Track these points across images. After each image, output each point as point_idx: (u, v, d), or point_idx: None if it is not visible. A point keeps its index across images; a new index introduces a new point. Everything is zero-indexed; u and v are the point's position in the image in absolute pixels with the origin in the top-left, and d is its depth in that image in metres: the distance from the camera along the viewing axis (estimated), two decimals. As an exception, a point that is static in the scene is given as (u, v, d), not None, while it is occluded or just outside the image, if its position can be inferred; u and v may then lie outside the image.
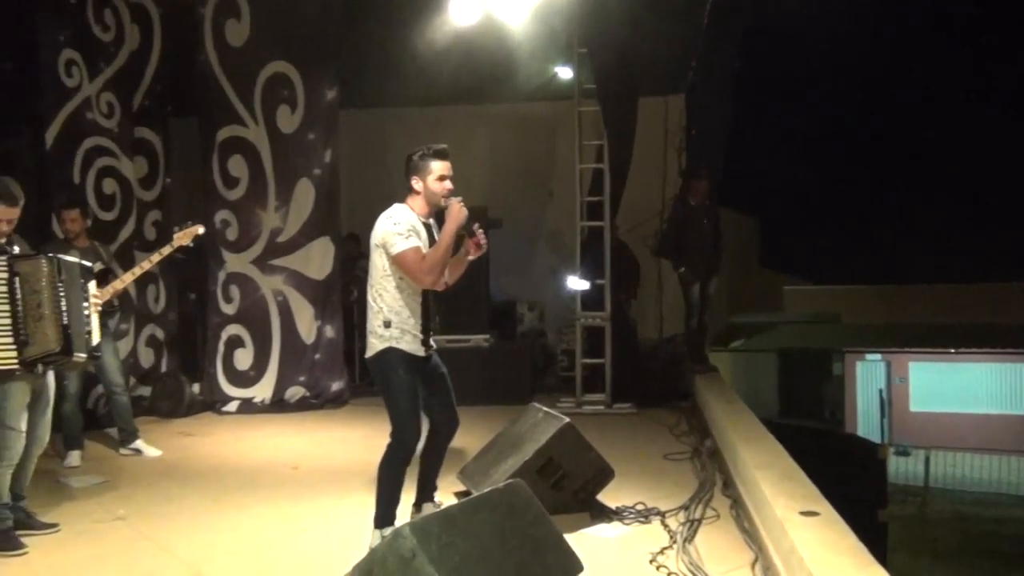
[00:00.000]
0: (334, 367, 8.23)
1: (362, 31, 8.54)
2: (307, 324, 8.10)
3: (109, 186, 7.58)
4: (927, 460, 17.31)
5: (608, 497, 4.52)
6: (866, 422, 20.24)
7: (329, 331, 8.18)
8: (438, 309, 4.19)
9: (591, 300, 8.00)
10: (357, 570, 2.79)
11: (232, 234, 8.15)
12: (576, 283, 8.12)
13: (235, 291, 8.15)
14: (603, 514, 4.38)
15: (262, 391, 8.03)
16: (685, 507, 4.41)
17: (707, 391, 6.91)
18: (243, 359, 8.10)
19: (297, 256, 8.12)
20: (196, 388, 8.06)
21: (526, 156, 11.09)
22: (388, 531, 3.58)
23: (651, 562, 3.67)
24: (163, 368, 8.19)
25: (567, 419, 4.45)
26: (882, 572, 2.77)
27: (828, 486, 3.87)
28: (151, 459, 6.11)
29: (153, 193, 8.27)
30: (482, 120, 11.29)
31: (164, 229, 8.30)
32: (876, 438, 18.20)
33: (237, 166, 8.16)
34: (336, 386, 8.21)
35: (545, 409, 4.76)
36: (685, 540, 3.89)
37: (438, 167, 3.82)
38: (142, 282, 7.34)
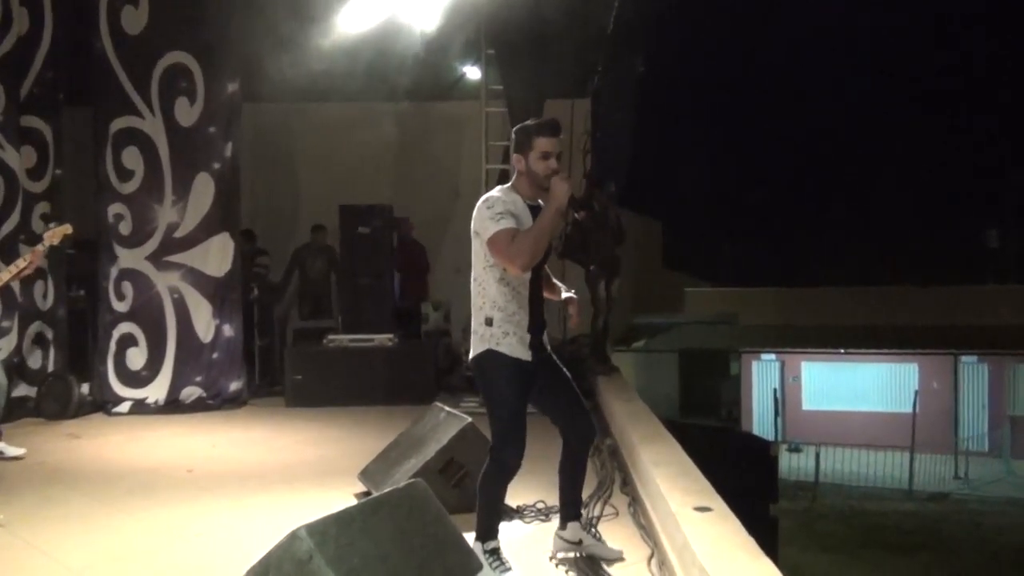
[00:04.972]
0: (232, 367, 8.04)
1: (267, 24, 8.37)
2: (204, 322, 7.87)
3: (-8, 177, 7.23)
4: (818, 456, 17.99)
5: (509, 496, 4.48)
6: (761, 420, 20.95)
7: (228, 330, 7.98)
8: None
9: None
10: (251, 573, 2.73)
11: (125, 228, 7.86)
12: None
13: (128, 288, 7.86)
14: (504, 513, 4.40)
15: (156, 391, 7.77)
16: (584, 505, 4.47)
17: (608, 391, 7.02)
18: (136, 358, 7.82)
19: (195, 252, 7.89)
20: (85, 388, 7.72)
21: (433, 156, 11.07)
22: (490, 544, 3.43)
23: (551, 559, 3.71)
24: (50, 368, 7.83)
25: (469, 419, 4.46)
26: (769, 565, 2.87)
27: (722, 482, 3.98)
28: (35, 462, 5.84)
29: (42, 184, 7.90)
30: (389, 118, 11.20)
31: (52, 222, 7.96)
32: (771, 436, 18.87)
33: (132, 158, 7.88)
34: (234, 386, 8.01)
35: (448, 409, 4.76)
36: (584, 537, 3.93)
37: (543, 143, 3.36)
38: (28, 277, 7.04)
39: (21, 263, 5.40)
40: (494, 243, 3.28)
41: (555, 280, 3.81)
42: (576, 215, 3.39)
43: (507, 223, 3.28)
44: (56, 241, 5.48)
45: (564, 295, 3.73)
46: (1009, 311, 18.90)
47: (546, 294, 3.69)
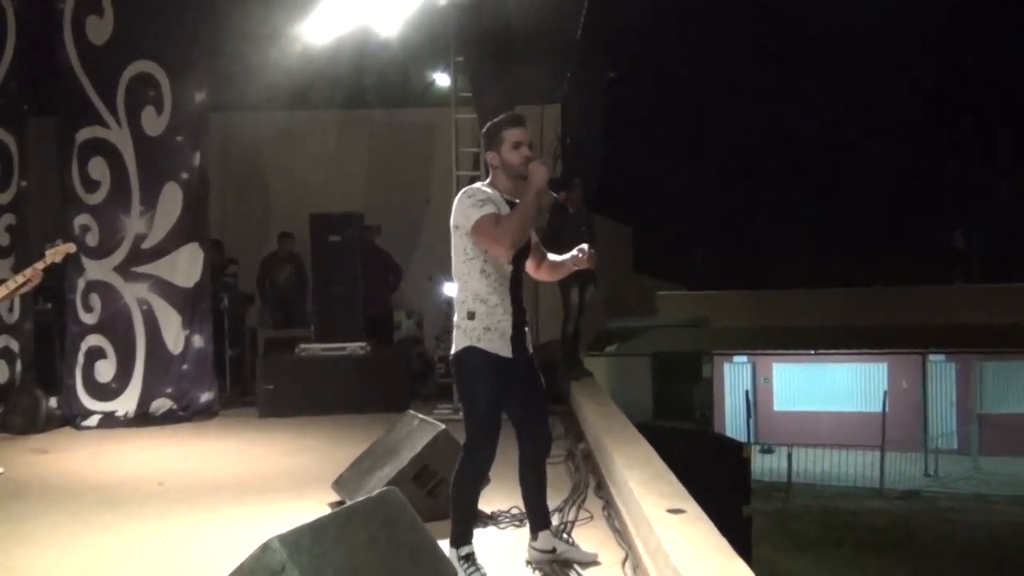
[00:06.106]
0: (203, 377, 7.97)
1: (235, 32, 8.33)
2: (174, 333, 7.80)
3: (-45, 188, 7.13)
4: (790, 457, 18.12)
5: (484, 502, 4.52)
6: (733, 422, 21.11)
7: (198, 340, 7.92)
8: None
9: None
10: (224, 586, 2.71)
11: (92, 240, 7.78)
12: (451, 290, 8.13)
13: (96, 299, 7.77)
14: (479, 519, 4.40)
15: (125, 404, 7.68)
16: (559, 509, 4.48)
17: (581, 395, 7.05)
18: (105, 371, 7.73)
19: (163, 263, 7.82)
20: (53, 402, 7.63)
21: (403, 163, 11.06)
22: (464, 550, 3.41)
23: (528, 564, 3.72)
24: (17, 382, 7.74)
25: (443, 426, 4.45)
26: (742, 565, 2.89)
27: (696, 484, 4.01)
28: (2, 478, 5.75)
29: (7, 196, 7.83)
30: (359, 126, 11.19)
31: (18, 234, 7.89)
32: (743, 437, 19.00)
33: (98, 169, 7.81)
34: (205, 397, 7.95)
35: (421, 416, 4.76)
36: (559, 542, 3.94)
37: (512, 134, 3.43)
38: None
39: (20, 279, 5.28)
40: (479, 228, 3.32)
41: (552, 256, 3.78)
42: (557, 197, 3.43)
43: (490, 208, 3.34)
44: (58, 259, 5.40)
45: (570, 255, 3.67)
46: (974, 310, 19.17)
47: (553, 275, 3.80)
